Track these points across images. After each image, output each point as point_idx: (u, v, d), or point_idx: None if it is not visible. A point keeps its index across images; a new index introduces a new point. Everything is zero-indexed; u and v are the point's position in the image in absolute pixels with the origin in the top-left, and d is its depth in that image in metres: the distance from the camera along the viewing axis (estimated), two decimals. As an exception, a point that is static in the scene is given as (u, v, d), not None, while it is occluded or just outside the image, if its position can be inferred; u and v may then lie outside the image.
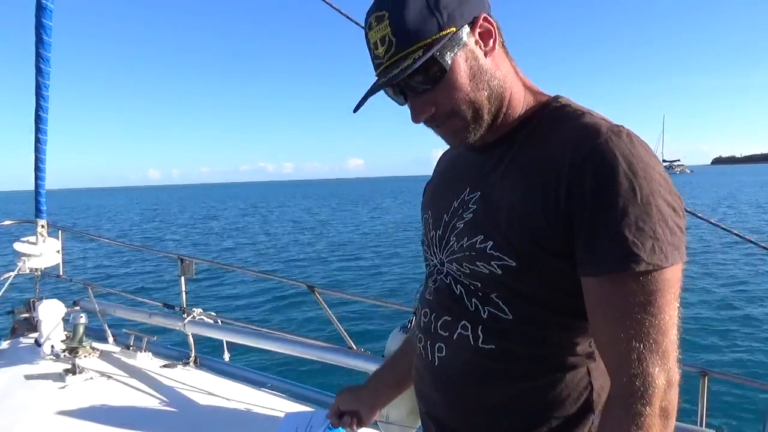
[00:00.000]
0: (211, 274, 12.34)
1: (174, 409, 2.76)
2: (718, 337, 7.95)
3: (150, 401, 2.82)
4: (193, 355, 3.38)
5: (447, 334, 0.88)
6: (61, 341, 3.35)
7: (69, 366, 3.05)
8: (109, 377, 3.04)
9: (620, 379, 0.72)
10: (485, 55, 0.79)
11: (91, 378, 2.99)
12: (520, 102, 0.84)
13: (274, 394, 3.00)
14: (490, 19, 0.79)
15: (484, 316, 0.83)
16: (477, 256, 0.82)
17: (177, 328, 3.33)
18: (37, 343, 3.38)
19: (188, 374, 3.19)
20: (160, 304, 3.67)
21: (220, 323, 3.33)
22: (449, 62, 0.76)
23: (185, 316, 3.31)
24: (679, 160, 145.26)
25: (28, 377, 3.01)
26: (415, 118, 0.81)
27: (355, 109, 0.80)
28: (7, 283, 3.57)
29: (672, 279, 0.71)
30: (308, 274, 14.40)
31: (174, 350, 3.54)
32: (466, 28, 0.77)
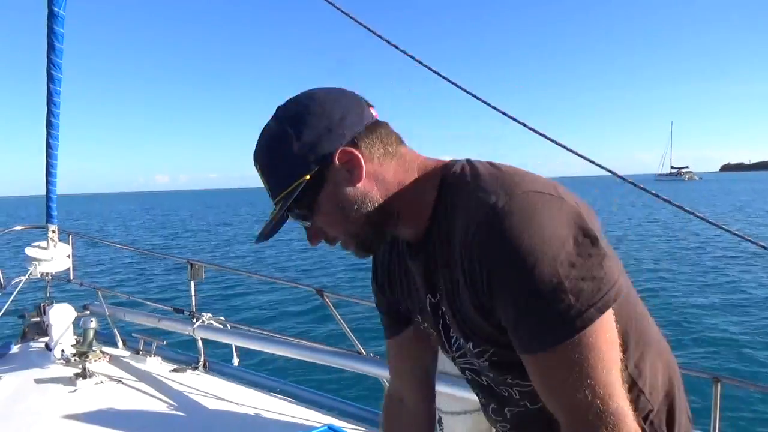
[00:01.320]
0: (220, 278, 12.37)
1: (183, 413, 2.76)
2: (731, 343, 7.87)
3: (159, 405, 2.82)
4: (202, 359, 3.38)
5: (500, 417, 0.95)
6: (72, 345, 3.37)
7: (79, 370, 3.06)
8: (119, 381, 3.05)
9: None
10: (353, 183, 0.81)
11: (101, 382, 3.00)
12: (419, 199, 0.84)
13: (284, 399, 2.99)
14: (349, 149, 0.81)
15: (517, 396, 0.88)
16: (472, 355, 0.87)
17: (186, 333, 3.34)
18: (48, 348, 3.40)
19: (197, 379, 3.19)
20: (169, 308, 3.69)
21: (229, 328, 3.34)
22: (315, 202, 0.82)
23: (194, 320, 3.32)
24: (687, 167, 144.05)
25: (38, 381, 3.03)
26: (310, 243, 0.88)
27: (259, 239, 0.85)
28: (18, 288, 3.60)
29: (593, 337, 0.70)
30: (317, 278, 14.44)
31: (183, 354, 3.55)
32: (324, 166, 0.80)
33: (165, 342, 3.51)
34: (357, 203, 0.82)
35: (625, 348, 0.79)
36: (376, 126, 0.84)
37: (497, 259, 0.71)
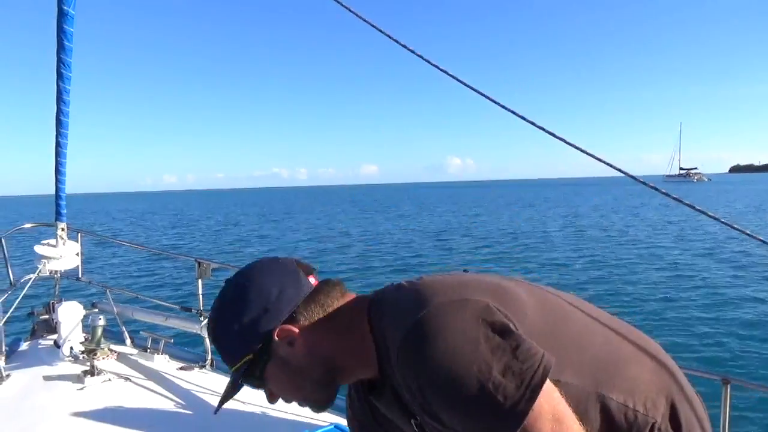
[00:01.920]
0: (228, 276, 12.39)
1: (190, 411, 2.77)
2: (741, 344, 7.81)
3: (166, 403, 2.83)
4: (209, 357, 3.39)
5: None
6: (80, 343, 3.38)
7: (87, 367, 3.08)
8: (127, 379, 3.06)
9: None
10: (296, 355, 0.88)
11: (109, 379, 3.01)
12: (362, 344, 0.89)
13: (290, 398, 2.99)
14: (287, 327, 0.87)
15: None
16: None
17: (194, 331, 3.35)
18: (56, 345, 3.42)
19: (204, 377, 3.20)
20: (177, 306, 3.70)
21: (236, 326, 3.34)
22: (264, 375, 0.90)
23: (202, 318, 3.33)
24: (696, 168, 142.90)
25: (47, 378, 3.04)
26: (269, 402, 0.97)
27: (218, 407, 0.97)
28: (27, 285, 3.62)
29: (536, 423, 0.72)
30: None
31: (191, 353, 3.56)
32: (266, 344, 0.88)
33: (172, 340, 3.52)
34: (303, 371, 0.89)
35: (603, 380, 0.82)
36: (315, 293, 0.91)
37: (423, 384, 0.75)
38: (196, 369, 3.29)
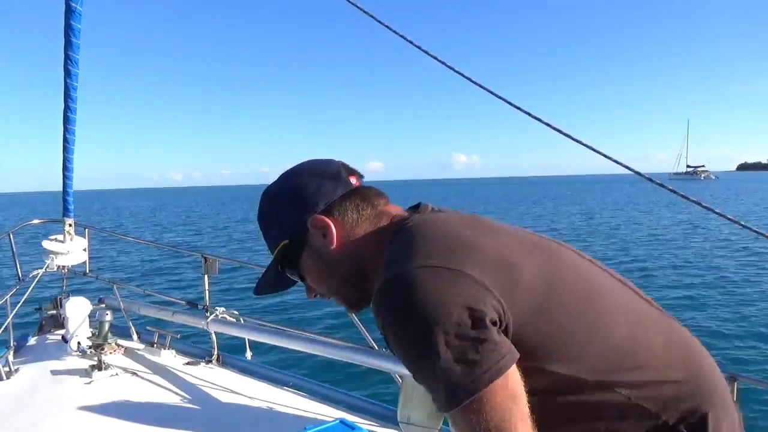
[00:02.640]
0: (234, 273, 12.45)
1: (197, 406, 2.78)
2: (749, 341, 7.77)
3: (173, 398, 2.85)
4: (215, 353, 3.41)
5: None
6: (87, 338, 3.41)
7: (95, 362, 3.10)
8: (134, 374, 3.08)
9: None
10: (328, 247, 0.92)
11: (116, 374, 3.03)
12: (379, 258, 0.89)
13: (296, 393, 3.00)
14: (321, 217, 0.91)
15: None
16: None
17: (200, 326, 3.36)
18: (64, 340, 3.44)
19: (211, 372, 3.22)
20: (183, 302, 3.71)
21: (242, 322, 3.35)
22: (299, 263, 0.95)
23: (208, 314, 3.34)
24: (703, 166, 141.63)
25: (54, 372, 3.07)
26: (308, 297, 1.02)
27: (257, 292, 1.03)
28: (35, 281, 3.64)
29: (489, 400, 0.72)
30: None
31: (197, 348, 3.58)
32: (300, 232, 0.93)
33: (179, 335, 3.54)
34: (334, 265, 0.93)
35: (611, 373, 0.80)
36: (352, 194, 0.94)
37: (387, 334, 0.78)
38: (203, 364, 3.31)
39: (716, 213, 1.57)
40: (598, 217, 30.49)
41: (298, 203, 0.93)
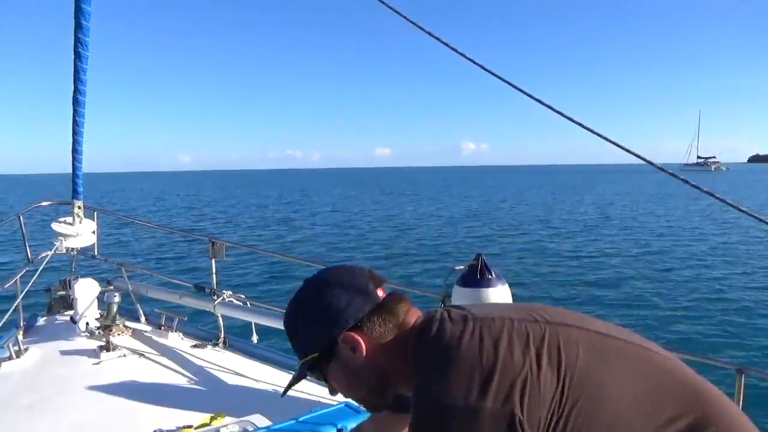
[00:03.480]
0: (241, 257, 12.51)
1: (203, 387, 2.81)
2: (757, 334, 7.75)
3: (180, 379, 2.88)
4: (222, 336, 3.43)
5: None
6: (96, 319, 3.44)
7: (103, 343, 3.13)
8: (141, 355, 3.11)
9: None
10: (356, 360, 0.98)
11: (124, 355, 3.06)
12: (408, 367, 0.95)
13: (302, 377, 3.02)
14: (351, 334, 0.96)
15: None
16: None
17: (207, 310, 3.39)
18: (73, 321, 3.48)
19: (218, 354, 3.24)
20: (191, 285, 3.74)
21: (249, 305, 3.38)
22: (327, 372, 1.01)
23: (215, 297, 3.36)
24: (714, 157, 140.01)
25: (63, 353, 3.10)
26: (331, 394, 1.09)
27: (283, 394, 1.16)
28: (44, 262, 3.67)
29: None
30: (338, 258, 14.53)
31: (204, 331, 3.61)
32: (331, 346, 0.98)
33: (186, 318, 3.57)
34: (360, 375, 0.99)
35: None
36: (380, 307, 0.99)
37: None
38: (210, 347, 3.33)
39: (729, 204, 1.56)
40: (611, 207, 30.32)
41: (329, 321, 0.98)
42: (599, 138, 1.64)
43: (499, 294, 2.44)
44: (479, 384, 0.80)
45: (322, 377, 1.04)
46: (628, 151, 1.66)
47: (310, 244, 17.56)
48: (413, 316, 1.02)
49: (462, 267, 2.56)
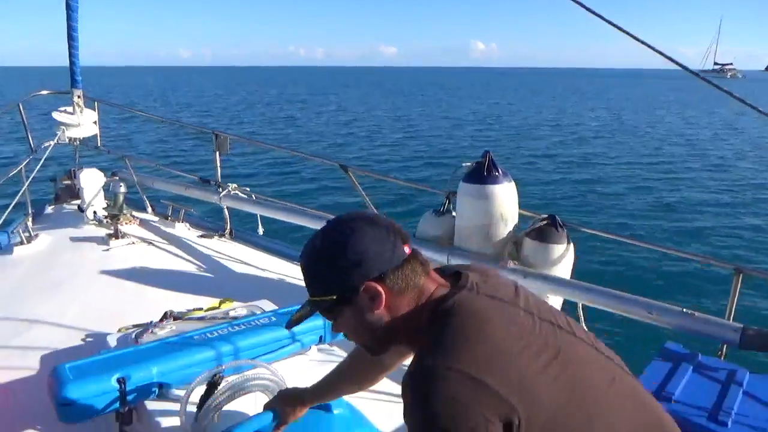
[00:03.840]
0: (246, 153, 12.46)
1: (211, 275, 2.89)
2: (757, 235, 7.85)
3: (188, 266, 2.95)
4: (228, 227, 3.48)
5: None
6: (103, 209, 3.48)
7: (111, 231, 3.18)
8: (150, 243, 3.17)
9: None
10: (371, 310, 0.97)
11: (133, 243, 3.12)
12: (416, 331, 0.98)
13: (307, 268, 3.10)
14: (374, 285, 0.95)
15: None
16: None
17: (213, 201, 3.41)
18: (80, 209, 3.52)
19: (224, 245, 3.31)
20: (196, 177, 3.74)
21: (254, 198, 3.39)
22: (338, 313, 1.00)
23: (221, 190, 3.37)
24: (731, 64, 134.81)
25: (73, 239, 3.16)
26: (333, 331, 1.07)
27: (288, 325, 1.08)
28: (47, 152, 3.65)
29: None
30: (343, 154, 14.51)
31: (210, 222, 3.66)
32: (351, 293, 0.96)
33: (192, 209, 3.60)
34: (371, 325, 0.99)
35: None
36: (405, 263, 0.98)
37: (406, 409, 0.88)
38: (216, 237, 3.39)
39: (749, 106, 1.50)
40: (625, 113, 29.64)
41: (356, 268, 0.96)
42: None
43: (505, 191, 2.43)
44: (484, 367, 0.86)
45: (330, 318, 1.04)
46: (648, 45, 1.57)
47: (316, 144, 17.42)
48: (433, 282, 1.03)
49: (469, 164, 2.54)
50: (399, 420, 1.79)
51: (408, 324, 0.99)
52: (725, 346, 1.91)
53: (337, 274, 0.97)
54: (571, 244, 2.33)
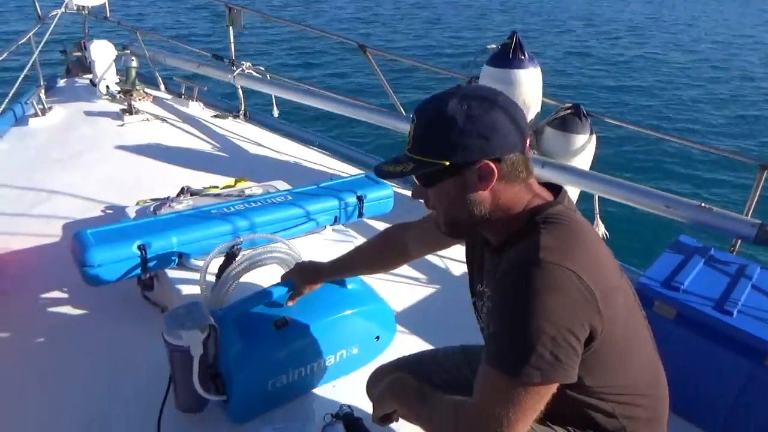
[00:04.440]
0: (261, 29, 11.97)
1: (226, 154, 2.89)
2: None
3: (203, 145, 2.94)
4: (242, 108, 3.42)
5: None
6: (115, 83, 3.41)
7: (125, 106, 3.15)
8: (164, 120, 3.14)
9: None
10: (476, 190, 0.92)
11: (147, 119, 3.09)
12: (513, 221, 0.95)
13: (321, 152, 3.08)
14: (492, 165, 0.89)
15: None
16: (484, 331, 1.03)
17: (226, 80, 3.32)
18: (92, 83, 3.45)
19: (238, 126, 3.27)
20: (209, 54, 3.62)
21: (269, 78, 3.30)
22: (439, 181, 0.93)
23: (234, 68, 3.27)
24: None
25: (87, 113, 3.14)
26: (413, 197, 1.00)
27: (380, 174, 0.98)
28: (55, 20, 3.51)
29: (524, 390, 0.83)
30: (361, 32, 13.96)
31: (224, 102, 3.59)
32: (466, 164, 0.90)
33: (206, 87, 3.52)
34: (470, 204, 0.93)
35: (619, 406, 0.97)
36: (522, 155, 0.93)
37: (498, 299, 0.88)
38: (230, 118, 3.35)
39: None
40: (662, 7, 27.76)
41: (481, 142, 0.89)
42: None
43: (530, 77, 2.33)
44: (588, 274, 0.85)
45: (427, 183, 0.96)
46: None
47: (335, 24, 16.67)
48: (535, 185, 0.98)
49: (494, 46, 2.41)
50: (410, 301, 1.88)
51: (504, 216, 0.95)
52: (739, 241, 1.91)
53: (461, 143, 0.90)
54: (594, 135, 2.27)
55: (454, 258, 2.12)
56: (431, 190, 0.96)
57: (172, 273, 1.63)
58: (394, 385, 1.07)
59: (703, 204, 1.90)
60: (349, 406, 1.36)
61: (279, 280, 1.41)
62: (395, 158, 0.98)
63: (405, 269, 1.86)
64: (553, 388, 0.85)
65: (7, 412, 1.36)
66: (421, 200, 1.01)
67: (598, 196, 2.23)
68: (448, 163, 0.91)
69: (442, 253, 1.91)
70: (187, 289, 1.58)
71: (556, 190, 1.01)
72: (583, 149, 2.25)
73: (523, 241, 0.91)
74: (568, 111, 2.26)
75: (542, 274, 0.83)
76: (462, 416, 0.91)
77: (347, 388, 1.46)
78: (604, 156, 2.48)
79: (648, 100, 9.19)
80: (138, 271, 1.52)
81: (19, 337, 1.61)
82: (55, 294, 1.79)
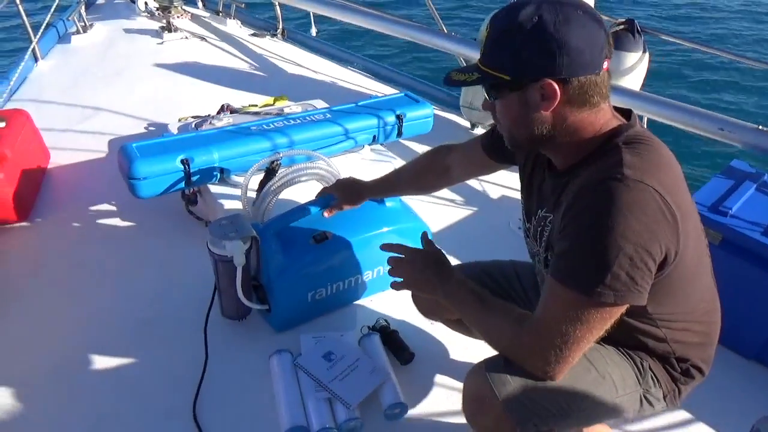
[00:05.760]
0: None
1: (264, 73, 2.86)
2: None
3: (241, 64, 2.92)
4: (280, 26, 3.35)
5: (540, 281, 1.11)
6: (154, 0, 3.37)
7: (164, 24, 3.12)
8: (203, 39, 3.11)
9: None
10: (537, 109, 0.88)
11: (186, 37, 3.07)
12: (585, 144, 0.92)
13: (360, 73, 3.02)
14: (555, 86, 0.85)
15: None
16: (541, 260, 1.02)
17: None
18: (132, 1, 3.42)
19: (276, 45, 3.22)
20: None
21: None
22: (503, 96, 0.91)
23: (272, -18, 3.18)
24: None
25: (127, 31, 3.13)
26: (482, 107, 0.99)
27: (446, 80, 0.95)
28: None
29: (595, 308, 0.83)
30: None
31: (262, 20, 3.52)
32: (528, 81, 0.86)
33: (243, 5, 3.45)
34: (532, 122, 0.90)
35: (676, 332, 0.98)
36: (595, 78, 0.86)
37: (583, 212, 0.85)
38: (268, 37, 3.29)
39: None
40: None
41: (548, 60, 0.84)
42: None
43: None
44: (672, 196, 0.83)
45: (492, 96, 0.93)
46: None
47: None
48: (610, 110, 0.93)
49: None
50: (447, 222, 1.88)
51: (573, 140, 0.92)
52: (796, 168, 1.83)
53: (525, 56, 0.85)
54: (647, 53, 2.14)
55: (492, 181, 2.10)
56: (497, 102, 0.93)
57: (215, 188, 1.67)
58: (454, 284, 1.04)
59: (760, 126, 1.80)
60: (385, 319, 1.40)
61: (320, 192, 1.42)
62: (465, 67, 0.95)
63: (443, 191, 1.84)
64: (622, 309, 0.85)
65: (66, 315, 1.46)
66: (484, 112, 1.03)
67: (647, 118, 2.14)
68: (509, 78, 0.87)
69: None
70: (229, 204, 1.62)
71: (622, 112, 0.96)
72: (635, 68, 2.13)
73: (601, 161, 0.88)
74: (621, 27, 2.13)
75: (627, 191, 0.80)
76: (526, 328, 0.90)
77: (384, 303, 1.50)
78: (656, 75, 2.35)
79: (715, 15, 8.49)
80: (182, 185, 1.56)
81: (72, 248, 1.70)
82: (104, 207, 1.86)
